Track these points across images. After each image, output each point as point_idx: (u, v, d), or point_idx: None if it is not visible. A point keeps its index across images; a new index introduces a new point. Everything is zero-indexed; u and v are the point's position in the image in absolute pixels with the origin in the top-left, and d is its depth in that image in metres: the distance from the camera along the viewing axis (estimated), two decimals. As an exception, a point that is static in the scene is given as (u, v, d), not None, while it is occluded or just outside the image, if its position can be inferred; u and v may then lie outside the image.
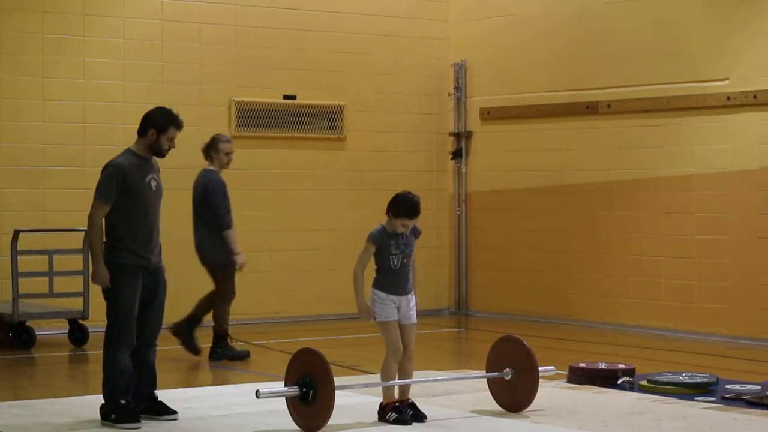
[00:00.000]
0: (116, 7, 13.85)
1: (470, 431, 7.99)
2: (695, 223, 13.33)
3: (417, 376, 8.58)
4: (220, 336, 11.58)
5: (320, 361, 7.78)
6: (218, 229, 11.36)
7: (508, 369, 8.56)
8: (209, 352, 11.53)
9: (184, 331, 11.57)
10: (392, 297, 8.10)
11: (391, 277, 8.11)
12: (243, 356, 11.58)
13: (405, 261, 8.14)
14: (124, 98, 13.69)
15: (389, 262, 8.10)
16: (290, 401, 7.91)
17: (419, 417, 8.14)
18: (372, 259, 8.15)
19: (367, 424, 8.11)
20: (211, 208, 11.33)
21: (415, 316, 8.22)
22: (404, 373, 8.19)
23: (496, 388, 8.67)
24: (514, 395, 8.56)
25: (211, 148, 11.49)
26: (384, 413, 8.11)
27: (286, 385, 7.92)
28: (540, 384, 8.53)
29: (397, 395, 8.16)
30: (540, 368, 8.53)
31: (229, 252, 11.40)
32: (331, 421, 7.98)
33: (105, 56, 13.76)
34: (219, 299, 11.57)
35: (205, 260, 11.54)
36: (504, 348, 8.73)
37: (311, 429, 7.78)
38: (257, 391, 7.84)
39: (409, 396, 8.20)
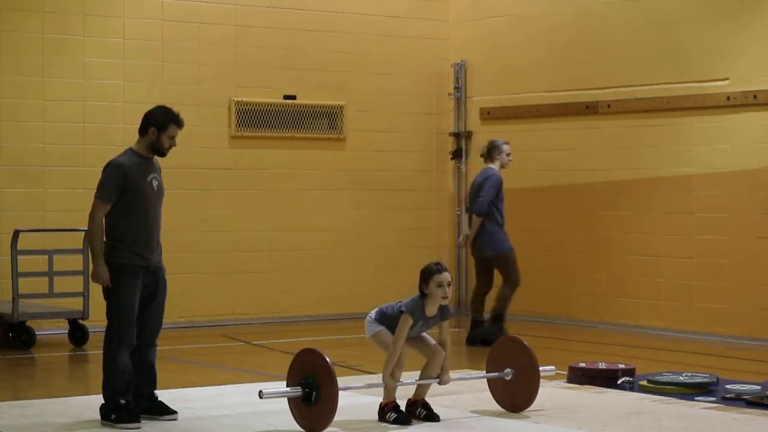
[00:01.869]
0: (116, 7, 13.85)
1: (470, 431, 7.98)
2: (695, 223, 13.34)
3: (415, 376, 8.58)
4: (495, 317, 12.52)
5: (323, 361, 7.77)
6: (494, 222, 12.50)
7: (508, 369, 8.56)
8: (466, 334, 12.60)
9: (497, 332, 12.02)
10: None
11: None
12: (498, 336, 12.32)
13: (424, 328, 8.15)
14: (124, 98, 13.69)
15: (411, 331, 8.08)
16: (293, 402, 7.90)
17: (432, 417, 8.14)
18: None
19: (367, 424, 8.10)
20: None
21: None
22: (431, 366, 8.18)
23: (497, 388, 8.67)
24: (514, 395, 8.56)
25: (494, 150, 12.72)
26: (384, 413, 8.11)
27: (288, 386, 7.92)
28: (540, 384, 8.53)
29: (396, 396, 8.16)
30: (540, 368, 8.54)
31: (502, 241, 12.51)
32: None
33: (105, 56, 13.76)
34: (506, 285, 12.58)
35: (481, 252, 12.57)
36: (505, 348, 8.73)
37: (314, 430, 7.78)
38: (260, 391, 7.83)
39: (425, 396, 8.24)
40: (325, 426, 7.74)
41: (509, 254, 12.57)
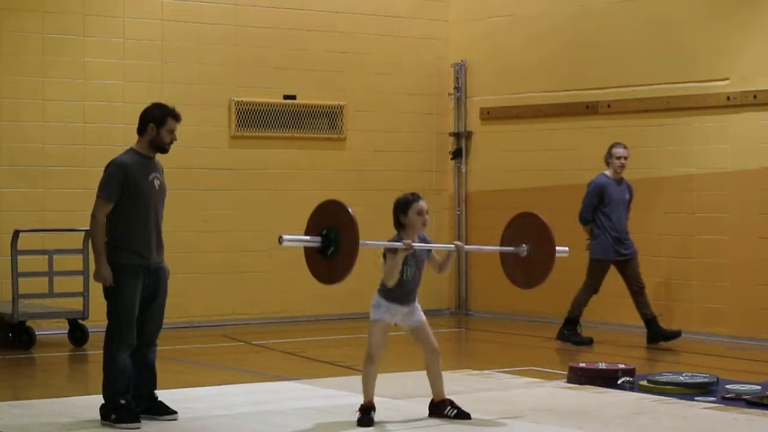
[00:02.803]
0: (116, 7, 13.85)
1: (470, 431, 7.98)
2: (695, 223, 13.33)
3: (416, 376, 8.59)
4: (571, 320, 12.74)
5: (345, 213, 7.74)
6: (598, 227, 12.67)
7: (523, 245, 8.53)
8: (558, 332, 12.80)
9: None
10: (395, 306, 8.06)
11: (404, 289, 8.06)
12: (586, 342, 12.62)
13: (417, 273, 8.09)
14: (124, 98, 13.69)
15: (403, 274, 8.03)
16: (310, 252, 7.83)
17: (464, 415, 8.12)
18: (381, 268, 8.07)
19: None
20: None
21: (422, 314, 8.18)
22: (433, 374, 8.16)
23: (509, 264, 8.62)
24: (528, 272, 8.55)
25: (607, 155, 12.77)
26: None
27: (307, 235, 7.85)
28: (540, 384, 8.52)
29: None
30: (557, 248, 8.49)
31: (594, 246, 12.64)
32: (327, 423, 7.98)
33: (105, 56, 13.76)
34: (584, 288, 12.73)
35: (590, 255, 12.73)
36: (520, 224, 8.66)
37: (331, 280, 7.77)
38: (280, 237, 7.73)
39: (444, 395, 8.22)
40: (343, 277, 7.71)
41: (599, 262, 12.63)
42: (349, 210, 7.74)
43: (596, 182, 12.76)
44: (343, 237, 7.71)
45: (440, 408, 8.20)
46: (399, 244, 7.94)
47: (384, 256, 7.99)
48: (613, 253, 12.62)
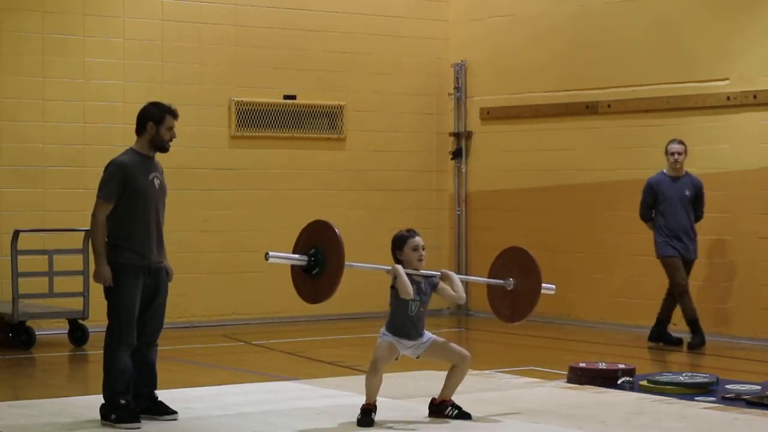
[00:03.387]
0: (116, 7, 13.85)
1: (470, 431, 7.98)
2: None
3: (416, 376, 8.59)
4: (660, 321, 12.53)
5: (332, 233, 7.79)
6: (656, 227, 12.49)
7: (510, 279, 8.58)
8: (650, 332, 12.62)
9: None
10: (403, 341, 8.08)
11: (408, 323, 8.07)
12: (676, 342, 12.44)
13: (422, 309, 8.11)
14: (124, 98, 13.69)
15: (407, 309, 8.06)
16: (296, 270, 7.93)
17: (465, 415, 8.15)
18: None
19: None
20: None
21: (431, 336, 8.20)
22: (457, 376, 8.19)
23: (496, 296, 8.69)
24: (513, 306, 8.60)
25: (665, 152, 12.49)
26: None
27: (295, 253, 7.93)
28: (540, 384, 8.53)
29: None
30: (543, 285, 8.53)
31: (659, 245, 12.43)
32: (327, 423, 7.98)
33: (105, 56, 13.76)
34: (667, 290, 12.53)
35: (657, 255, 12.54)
36: (510, 257, 8.72)
37: (315, 300, 7.88)
38: (267, 253, 7.81)
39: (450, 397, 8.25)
40: (327, 297, 7.81)
41: (664, 260, 12.43)
42: (337, 231, 7.78)
43: (649, 180, 12.58)
44: (329, 258, 7.74)
45: (441, 408, 8.21)
46: (385, 267, 7.99)
47: (392, 287, 8.04)
48: (671, 249, 12.38)
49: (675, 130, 13.48)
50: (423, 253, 8.10)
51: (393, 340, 8.06)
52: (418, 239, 8.09)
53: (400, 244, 8.10)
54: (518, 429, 8.08)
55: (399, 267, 7.99)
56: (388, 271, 8.00)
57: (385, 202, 15.44)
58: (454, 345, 8.25)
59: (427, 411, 8.28)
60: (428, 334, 8.20)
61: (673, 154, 12.43)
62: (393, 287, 8.04)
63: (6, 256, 12.50)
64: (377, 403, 8.04)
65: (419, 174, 15.72)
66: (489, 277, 8.73)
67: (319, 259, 7.82)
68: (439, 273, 8.23)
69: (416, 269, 8.08)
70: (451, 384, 8.23)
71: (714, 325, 13.05)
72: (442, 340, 8.24)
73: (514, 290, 8.57)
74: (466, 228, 15.82)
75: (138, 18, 13.95)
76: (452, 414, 8.15)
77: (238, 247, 14.44)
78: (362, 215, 15.14)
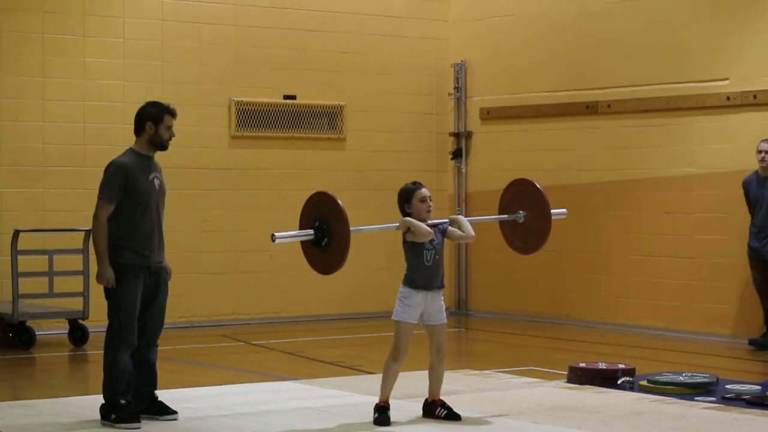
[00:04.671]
0: (116, 7, 13.85)
1: (470, 431, 7.98)
2: (695, 223, 13.33)
3: (415, 376, 8.59)
4: None
5: (334, 203, 7.81)
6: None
7: (521, 212, 8.68)
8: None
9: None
10: (422, 294, 8.06)
11: (426, 274, 8.09)
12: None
13: (437, 257, 8.13)
14: (124, 98, 13.69)
15: (423, 258, 8.08)
16: (306, 245, 7.94)
17: (454, 416, 8.15)
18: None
19: (362, 425, 8.09)
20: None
21: (445, 316, 8.20)
22: (435, 375, 8.19)
23: (509, 230, 8.85)
24: (525, 238, 8.74)
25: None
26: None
27: (300, 229, 7.96)
28: (540, 384, 8.53)
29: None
30: (552, 211, 8.70)
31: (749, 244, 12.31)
32: (327, 423, 7.98)
33: (105, 56, 13.76)
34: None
35: None
36: (517, 191, 8.86)
37: (328, 270, 7.88)
38: (273, 235, 7.84)
39: (440, 396, 8.23)
40: (338, 266, 7.81)
41: (749, 258, 12.38)
42: (337, 199, 7.81)
43: (743, 180, 12.45)
44: (335, 227, 7.77)
45: (432, 408, 8.23)
46: (393, 225, 8.02)
47: (404, 242, 8.09)
48: (750, 249, 12.30)
49: (675, 130, 13.50)
50: (430, 203, 8.16)
51: (408, 309, 8.00)
52: (424, 191, 8.14)
53: (407, 196, 8.14)
54: (518, 429, 8.08)
55: (409, 218, 8.02)
56: (398, 227, 8.06)
57: (385, 202, 15.33)
58: (445, 337, 8.21)
59: (422, 411, 8.28)
60: (443, 306, 8.17)
61: (760, 152, 12.26)
62: (405, 242, 8.07)
63: (6, 256, 12.50)
64: (373, 402, 8.04)
65: (419, 174, 15.64)
66: (499, 212, 8.82)
67: (325, 230, 7.85)
68: (447, 219, 8.28)
69: (424, 220, 8.11)
70: (434, 383, 8.23)
71: (713, 325, 13.05)
72: (445, 325, 8.21)
73: (526, 222, 8.67)
74: (466, 228, 15.79)
75: (138, 18, 13.95)
76: (442, 414, 8.16)
77: (238, 247, 14.44)
78: (362, 215, 15.06)
